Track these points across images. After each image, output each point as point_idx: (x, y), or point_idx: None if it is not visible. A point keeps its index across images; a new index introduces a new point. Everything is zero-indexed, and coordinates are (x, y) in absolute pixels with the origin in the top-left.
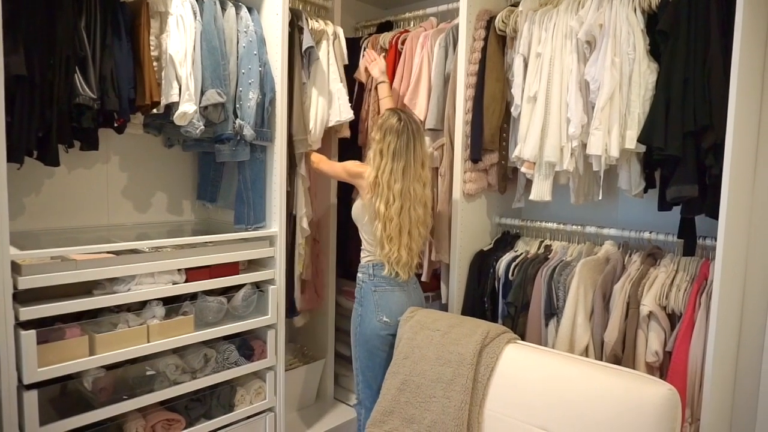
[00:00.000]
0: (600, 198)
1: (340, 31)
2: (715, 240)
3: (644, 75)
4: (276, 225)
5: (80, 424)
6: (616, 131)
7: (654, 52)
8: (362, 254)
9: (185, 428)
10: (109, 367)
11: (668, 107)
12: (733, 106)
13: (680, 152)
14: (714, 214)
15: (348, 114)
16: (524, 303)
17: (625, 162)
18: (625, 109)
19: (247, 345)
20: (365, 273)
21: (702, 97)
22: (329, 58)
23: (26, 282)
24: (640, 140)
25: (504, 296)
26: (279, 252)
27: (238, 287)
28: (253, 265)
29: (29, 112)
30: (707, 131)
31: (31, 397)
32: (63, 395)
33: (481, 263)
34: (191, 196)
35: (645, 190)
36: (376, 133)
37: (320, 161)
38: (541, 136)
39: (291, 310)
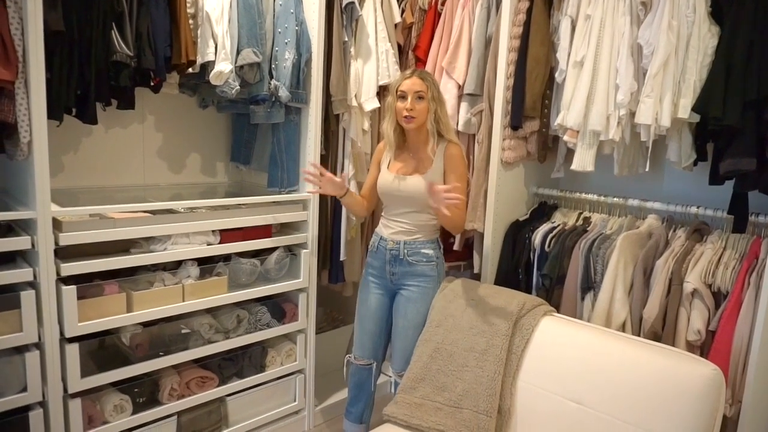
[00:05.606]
0: (646, 170)
1: None
2: None
3: (704, 39)
4: (310, 189)
5: (118, 378)
6: (669, 99)
7: (715, 14)
8: (426, 232)
9: (218, 386)
10: (146, 324)
11: (729, 74)
12: None
13: (739, 123)
14: None
15: (396, 75)
16: (560, 276)
17: (675, 132)
18: (680, 75)
19: (279, 307)
20: (437, 248)
21: None
22: (376, 16)
23: (67, 238)
24: (695, 109)
25: (539, 268)
26: (312, 216)
27: (271, 250)
28: (285, 228)
29: (68, 70)
30: None
31: (73, 350)
32: (102, 350)
33: (517, 233)
34: (225, 158)
35: (695, 163)
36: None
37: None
38: (586, 104)
39: (336, 276)
